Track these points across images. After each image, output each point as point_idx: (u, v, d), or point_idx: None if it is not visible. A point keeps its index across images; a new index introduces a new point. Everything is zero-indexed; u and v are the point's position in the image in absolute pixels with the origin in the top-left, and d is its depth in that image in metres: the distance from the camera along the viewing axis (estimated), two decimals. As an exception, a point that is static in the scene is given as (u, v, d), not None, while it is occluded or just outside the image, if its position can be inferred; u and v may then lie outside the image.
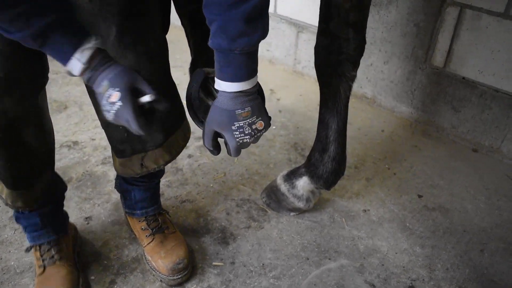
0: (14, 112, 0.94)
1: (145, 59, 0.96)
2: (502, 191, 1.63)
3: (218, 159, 1.75)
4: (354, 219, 1.51)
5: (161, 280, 1.26)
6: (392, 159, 1.79)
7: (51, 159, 1.16)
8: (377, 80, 2.04)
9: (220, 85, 0.88)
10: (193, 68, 1.24)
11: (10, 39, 0.75)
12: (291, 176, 1.46)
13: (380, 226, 1.48)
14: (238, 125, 0.90)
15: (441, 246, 1.41)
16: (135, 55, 0.94)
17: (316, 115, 2.00)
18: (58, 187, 1.24)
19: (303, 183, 1.42)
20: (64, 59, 0.78)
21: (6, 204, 1.10)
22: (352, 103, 2.05)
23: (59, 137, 1.80)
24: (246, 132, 0.91)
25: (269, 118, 0.95)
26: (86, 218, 1.47)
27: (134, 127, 0.82)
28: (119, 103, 0.81)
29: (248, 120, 0.90)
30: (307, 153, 1.79)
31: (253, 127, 0.91)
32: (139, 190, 1.27)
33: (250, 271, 1.30)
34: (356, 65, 1.21)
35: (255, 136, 0.93)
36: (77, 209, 1.51)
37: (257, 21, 0.80)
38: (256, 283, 1.27)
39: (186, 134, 1.18)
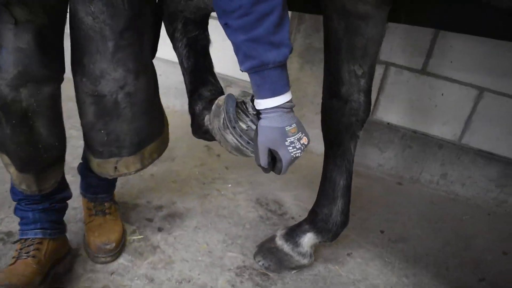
0: (27, 102, 1.06)
1: (132, 76, 1.12)
2: (435, 214, 2.03)
3: (191, 228, 1.69)
4: (344, 264, 1.66)
5: (88, 254, 1.47)
6: (344, 201, 2.02)
7: (61, 155, 1.26)
8: (309, 129, 2.27)
9: (261, 104, 0.99)
10: (194, 100, 1.23)
11: (33, 37, 1.00)
12: (293, 235, 1.53)
13: (367, 265, 1.68)
14: (290, 140, 1.01)
15: (418, 272, 1.68)
16: (124, 71, 1.10)
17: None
18: (60, 189, 1.37)
19: (308, 240, 1.52)
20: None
21: (14, 184, 1.23)
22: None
23: None
24: (297, 147, 1.03)
25: (307, 134, 1.08)
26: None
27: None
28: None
29: (297, 135, 1.02)
30: (272, 207, 1.89)
31: (301, 142, 1.03)
32: (95, 178, 1.41)
33: None
34: (363, 124, 1.39)
35: (303, 150, 1.05)
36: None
37: (280, 35, 0.91)
38: None
39: (160, 148, 1.33)
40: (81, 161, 1.52)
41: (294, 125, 1.00)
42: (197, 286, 1.45)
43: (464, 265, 1.76)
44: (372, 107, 2.08)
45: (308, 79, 2.17)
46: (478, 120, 1.97)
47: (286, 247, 1.53)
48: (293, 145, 1.01)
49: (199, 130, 1.24)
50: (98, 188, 1.52)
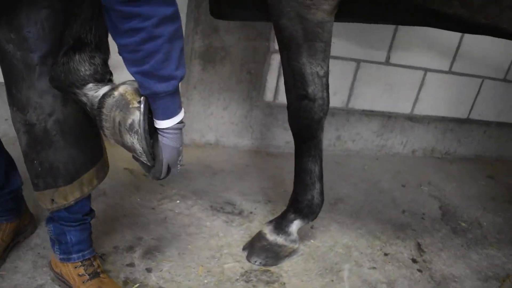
0: None
1: (60, 102, 1.14)
2: (345, 172, 2.45)
3: (175, 256, 1.66)
4: (315, 236, 1.91)
5: None
6: (274, 183, 2.26)
7: None
8: (218, 125, 2.39)
9: (158, 124, 1.10)
10: (82, 59, 1.11)
11: None
12: (281, 227, 1.69)
13: (330, 231, 1.97)
14: (179, 158, 1.20)
15: (365, 222, 2.06)
16: (51, 97, 1.12)
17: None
18: (9, 184, 1.44)
19: (295, 227, 1.70)
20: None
21: None
22: (197, 153, 2.37)
23: None
24: (181, 164, 1.22)
25: None
26: None
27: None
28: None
29: (182, 154, 1.21)
30: (228, 209, 2.00)
31: (182, 158, 1.22)
32: (76, 232, 1.36)
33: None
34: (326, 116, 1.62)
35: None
36: None
37: (167, 69, 1.01)
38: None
39: (99, 174, 1.31)
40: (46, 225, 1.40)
41: (182, 145, 1.17)
42: (223, 307, 1.49)
43: (387, 205, 2.24)
44: (273, 93, 2.35)
45: (212, 78, 2.26)
46: (359, 86, 2.44)
47: (279, 239, 1.68)
48: (180, 162, 1.21)
49: (63, 84, 1.11)
50: (82, 244, 1.39)
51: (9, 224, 1.50)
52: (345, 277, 1.72)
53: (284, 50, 1.51)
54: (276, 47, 2.22)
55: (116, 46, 1.02)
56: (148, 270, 1.58)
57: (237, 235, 1.83)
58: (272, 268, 1.69)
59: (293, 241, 1.70)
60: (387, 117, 2.58)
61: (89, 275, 1.38)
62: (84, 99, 1.13)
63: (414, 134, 2.68)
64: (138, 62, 0.99)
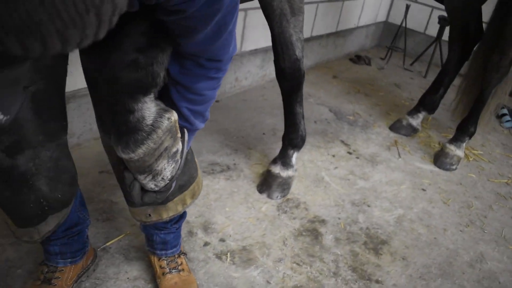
0: (25, 167, 1.06)
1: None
2: (253, 106, 2.92)
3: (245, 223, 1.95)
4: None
5: None
6: (224, 135, 2.58)
7: (67, 203, 1.26)
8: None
9: None
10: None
11: (27, 104, 0.99)
12: (286, 161, 2.15)
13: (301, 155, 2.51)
14: None
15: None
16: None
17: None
18: (75, 224, 1.41)
19: (295, 158, 2.18)
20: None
21: (15, 237, 1.28)
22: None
23: None
24: None
25: None
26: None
27: None
28: None
29: None
30: (210, 167, 2.27)
31: None
32: (159, 235, 1.52)
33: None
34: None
35: None
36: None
37: (208, 111, 1.19)
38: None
39: (194, 193, 1.41)
40: None
41: None
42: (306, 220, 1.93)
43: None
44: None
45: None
46: (248, 31, 2.84)
47: (290, 172, 2.15)
48: None
49: (140, 84, 1.00)
50: (166, 245, 1.56)
51: (74, 267, 1.50)
52: (329, 181, 2.35)
53: (275, 26, 1.85)
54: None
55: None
56: (222, 240, 1.85)
57: (245, 185, 2.19)
58: (289, 196, 2.17)
59: (296, 169, 2.20)
60: (265, 51, 3.10)
61: (169, 269, 1.56)
62: (136, 106, 1.01)
63: (282, 59, 3.31)
64: (194, 102, 1.09)
